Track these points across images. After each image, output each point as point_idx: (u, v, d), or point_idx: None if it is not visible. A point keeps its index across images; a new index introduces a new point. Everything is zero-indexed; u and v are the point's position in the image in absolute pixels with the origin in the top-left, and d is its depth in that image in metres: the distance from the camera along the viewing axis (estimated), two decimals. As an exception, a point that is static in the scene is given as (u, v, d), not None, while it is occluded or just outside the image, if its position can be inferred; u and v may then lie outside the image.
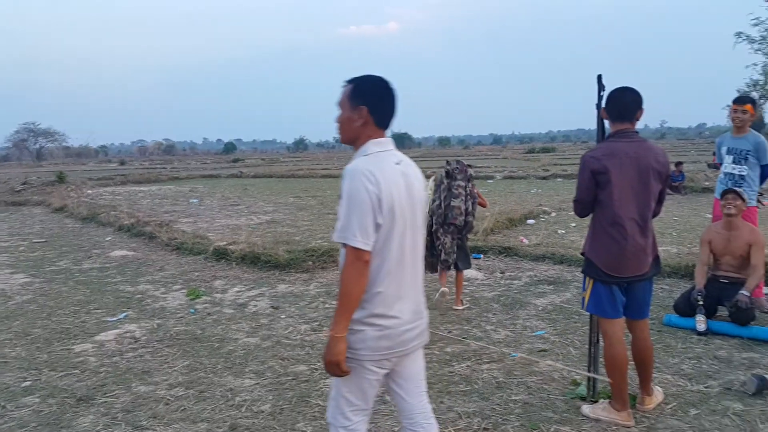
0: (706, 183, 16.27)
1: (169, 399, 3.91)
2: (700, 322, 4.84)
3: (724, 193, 5.23)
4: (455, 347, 4.72)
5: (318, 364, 4.42)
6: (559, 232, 10.14)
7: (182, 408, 3.77)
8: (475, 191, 5.90)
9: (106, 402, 3.90)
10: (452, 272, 6.09)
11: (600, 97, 3.43)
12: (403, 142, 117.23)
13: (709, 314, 5.08)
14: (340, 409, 2.24)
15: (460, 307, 5.87)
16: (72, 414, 3.74)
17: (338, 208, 2.12)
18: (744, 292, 4.86)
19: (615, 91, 3.28)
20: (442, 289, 5.91)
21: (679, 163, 17.35)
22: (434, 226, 5.85)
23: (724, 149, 5.73)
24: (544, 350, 4.59)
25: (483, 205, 6.13)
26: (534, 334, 4.99)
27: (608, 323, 3.39)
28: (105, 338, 5.19)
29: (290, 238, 9.97)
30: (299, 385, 4.04)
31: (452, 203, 5.72)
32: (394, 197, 2.11)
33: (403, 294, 2.18)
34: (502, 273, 7.30)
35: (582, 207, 3.36)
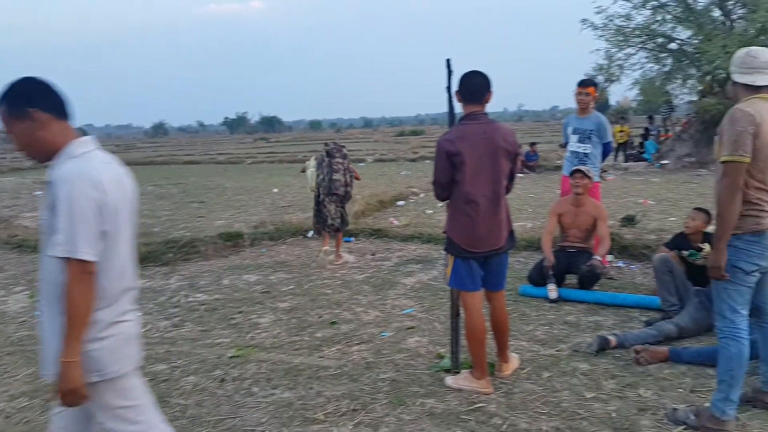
0: (558, 162, 17.61)
1: (9, 411, 3.56)
2: (552, 291, 5.26)
3: (572, 173, 5.69)
4: (325, 332, 4.73)
5: (179, 361, 4.24)
6: (428, 212, 10.49)
7: (26, 420, 3.45)
8: (351, 167, 7.09)
9: (-70, 423, 3.47)
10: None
11: (449, 81, 3.58)
12: (272, 125, 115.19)
13: (558, 282, 5.53)
14: (126, 420, 2.08)
15: (340, 261, 7.02)
16: None
17: (43, 217, 1.95)
18: (597, 257, 5.38)
19: (465, 75, 3.44)
20: (325, 248, 6.98)
21: (533, 144, 18.67)
22: (321, 197, 6.98)
23: (570, 129, 6.20)
24: (412, 327, 4.74)
25: (357, 179, 7.27)
26: (403, 312, 5.14)
27: (468, 296, 3.57)
28: (-70, 351, 4.61)
29: (148, 229, 9.50)
30: (158, 385, 3.84)
31: (334, 177, 6.83)
32: (117, 199, 2.00)
33: (131, 295, 2.13)
34: (372, 255, 7.43)
35: (441, 188, 3.50)
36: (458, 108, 3.56)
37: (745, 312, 2.99)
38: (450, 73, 3.57)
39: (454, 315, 3.88)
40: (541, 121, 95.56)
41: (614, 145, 20.90)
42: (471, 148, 3.34)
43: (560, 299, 5.24)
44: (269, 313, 5.27)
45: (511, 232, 3.63)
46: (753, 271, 2.93)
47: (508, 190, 3.55)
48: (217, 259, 7.53)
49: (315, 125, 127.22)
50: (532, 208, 10.63)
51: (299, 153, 30.21)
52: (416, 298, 5.54)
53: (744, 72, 2.92)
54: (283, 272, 6.76)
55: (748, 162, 2.82)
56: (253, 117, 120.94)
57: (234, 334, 4.79)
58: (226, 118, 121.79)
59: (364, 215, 9.97)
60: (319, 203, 7.05)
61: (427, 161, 22.30)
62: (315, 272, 6.71)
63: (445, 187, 3.47)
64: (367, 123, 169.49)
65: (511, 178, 3.56)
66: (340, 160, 6.95)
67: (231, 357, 4.27)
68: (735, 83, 2.98)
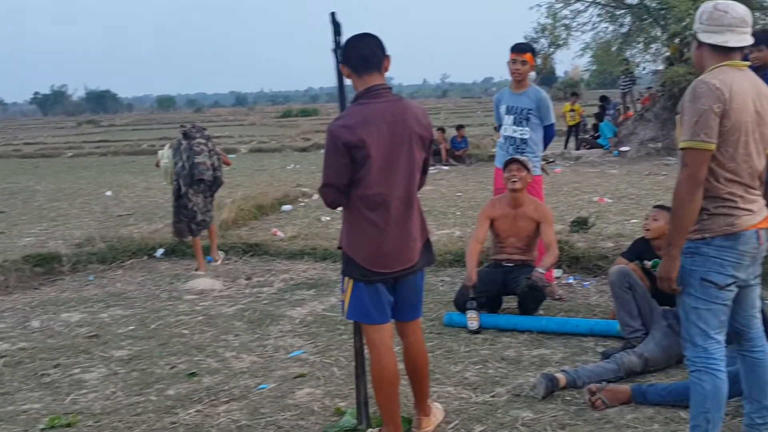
0: (494, 150, 18.21)
1: None
2: (472, 319, 5.41)
3: (507, 164, 5.87)
4: (180, 387, 4.64)
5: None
6: (323, 219, 10.57)
7: None
8: (217, 149, 7.78)
9: None
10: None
11: (337, 41, 3.63)
12: (104, 103, 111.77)
13: (494, 306, 5.70)
14: None
15: (219, 261, 7.86)
16: None
17: None
18: (540, 269, 5.58)
19: (351, 40, 3.49)
20: (200, 270, 7.58)
21: (461, 127, 19.14)
22: (183, 189, 7.46)
23: (503, 108, 6.42)
24: (302, 375, 4.75)
25: (227, 163, 8.04)
26: (290, 355, 5.14)
27: (374, 330, 3.60)
28: None
29: None
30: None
31: (197, 160, 7.33)
32: None
33: None
34: (247, 279, 7.42)
35: (336, 193, 3.49)
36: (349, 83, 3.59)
37: (720, 337, 3.17)
38: (337, 29, 3.61)
39: (358, 356, 3.90)
40: (471, 98, 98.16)
41: (559, 127, 21.74)
42: (377, 136, 3.37)
43: (482, 329, 5.41)
44: (99, 366, 5.12)
45: (427, 243, 3.70)
46: (728, 285, 3.10)
47: (420, 185, 3.63)
48: (23, 293, 7.27)
49: (165, 102, 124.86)
50: (460, 210, 10.89)
51: (144, 141, 29.51)
52: (308, 336, 5.55)
53: (712, 30, 3.10)
54: (120, 307, 6.61)
55: (713, 149, 2.99)
56: (76, 91, 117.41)
57: (48, 396, 4.61)
58: (37, 93, 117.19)
59: (236, 225, 9.90)
60: (180, 197, 7.54)
61: (323, 151, 22.36)
62: (166, 306, 6.57)
63: (343, 190, 3.48)
64: (240, 100, 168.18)
65: (425, 170, 3.64)
66: (202, 141, 7.52)
67: (43, 429, 4.10)
68: (701, 44, 3.17)
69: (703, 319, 3.12)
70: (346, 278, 3.61)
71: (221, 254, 8.19)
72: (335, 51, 3.63)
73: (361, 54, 3.45)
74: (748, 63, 3.22)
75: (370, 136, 3.35)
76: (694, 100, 3.00)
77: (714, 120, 2.97)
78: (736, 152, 3.05)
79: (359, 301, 3.57)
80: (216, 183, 7.71)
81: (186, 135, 7.52)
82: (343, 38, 3.58)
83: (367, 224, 3.48)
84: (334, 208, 3.63)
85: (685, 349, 3.23)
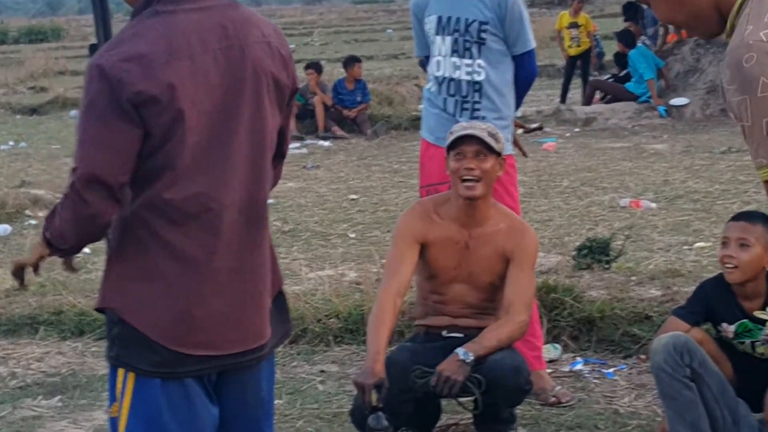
0: (419, 110, 18.39)
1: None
2: None
3: (455, 142, 5.58)
4: None
5: None
6: (82, 252, 10.45)
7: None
8: None
9: None
10: None
11: None
12: None
13: (426, 422, 5.69)
14: None
15: None
16: None
17: None
18: (463, 352, 5.24)
19: None
20: None
21: (353, 61, 19.12)
22: None
23: (430, 21, 6.39)
24: None
25: None
26: None
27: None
28: None
29: None
30: None
31: None
32: None
33: None
34: None
35: (106, 196, 3.31)
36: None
37: None
38: None
39: None
40: (374, 2, 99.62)
41: (550, 60, 22.03)
42: (196, 79, 3.29)
43: None
44: None
45: (279, 298, 3.72)
46: None
47: (273, 183, 3.63)
48: None
49: None
50: (356, 230, 11.06)
51: None
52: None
53: None
54: None
55: None
56: None
57: None
58: None
59: None
60: None
61: (78, 112, 22.45)
62: None
63: (119, 194, 3.33)
64: None
65: (281, 152, 3.65)
66: None
67: None
68: None
69: None
70: (121, 371, 3.49)
71: None
72: None
73: None
74: None
75: (183, 80, 3.26)
76: (749, 87, 2.85)
77: None
78: None
79: (149, 418, 3.49)
80: None
81: None
82: None
83: (169, 258, 3.38)
84: (102, 227, 3.43)
85: None
